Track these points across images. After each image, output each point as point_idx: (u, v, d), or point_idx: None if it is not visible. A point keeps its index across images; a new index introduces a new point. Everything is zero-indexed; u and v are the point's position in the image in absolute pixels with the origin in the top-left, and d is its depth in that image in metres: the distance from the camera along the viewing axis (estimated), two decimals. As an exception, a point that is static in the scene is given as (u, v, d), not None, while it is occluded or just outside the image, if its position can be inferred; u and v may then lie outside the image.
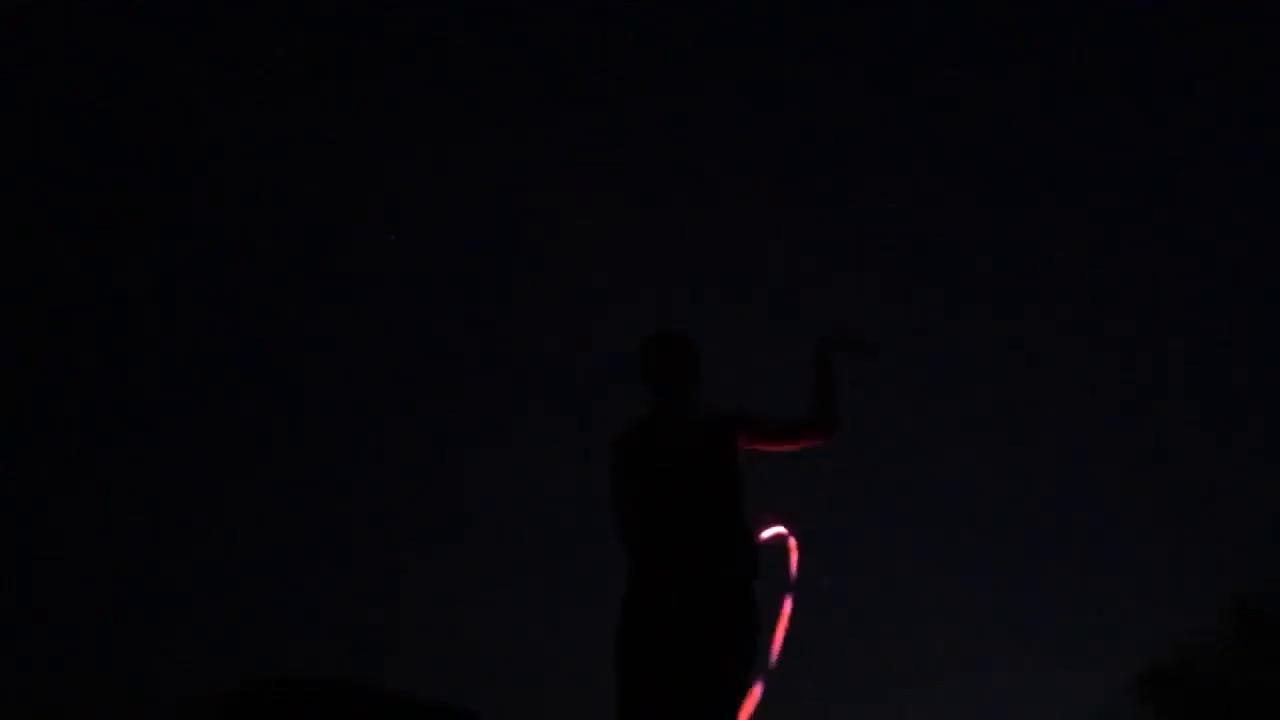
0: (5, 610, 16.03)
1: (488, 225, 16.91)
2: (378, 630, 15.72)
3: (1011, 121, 17.75)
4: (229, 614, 16.25)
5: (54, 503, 16.88)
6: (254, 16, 17.13)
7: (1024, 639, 15.46)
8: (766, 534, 4.30)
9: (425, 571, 15.84)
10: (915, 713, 15.09)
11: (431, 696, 14.05)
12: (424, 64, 17.51)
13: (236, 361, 17.70)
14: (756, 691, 4.03)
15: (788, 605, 4.27)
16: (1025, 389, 17.27)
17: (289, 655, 15.94)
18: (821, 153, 17.78)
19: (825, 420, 4.32)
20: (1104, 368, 17.63)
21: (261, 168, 17.58)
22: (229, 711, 13.68)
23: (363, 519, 16.94)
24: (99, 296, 17.58)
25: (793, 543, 4.34)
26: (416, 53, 17.36)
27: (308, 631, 16.30)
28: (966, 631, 15.85)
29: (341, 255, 17.94)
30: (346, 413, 17.50)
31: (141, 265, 17.55)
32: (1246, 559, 15.16)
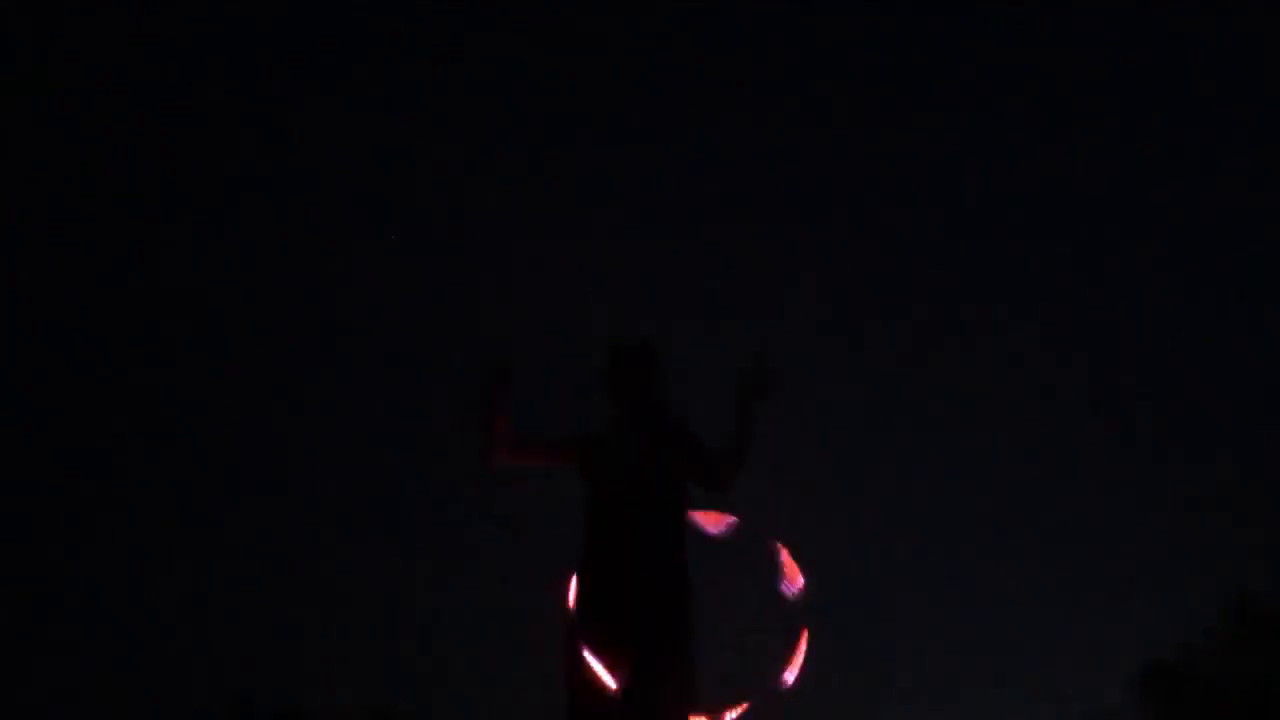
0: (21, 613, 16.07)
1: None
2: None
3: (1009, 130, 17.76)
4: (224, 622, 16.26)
5: (62, 515, 16.91)
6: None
7: (1024, 639, 15.44)
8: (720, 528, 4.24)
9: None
10: (913, 713, 15.07)
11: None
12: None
13: (237, 370, 17.72)
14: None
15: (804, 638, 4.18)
16: (1026, 388, 17.26)
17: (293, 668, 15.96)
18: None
19: (725, 485, 4.23)
20: (1106, 367, 17.62)
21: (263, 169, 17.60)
22: None
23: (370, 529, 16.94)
24: (103, 305, 17.59)
25: (784, 554, 4.25)
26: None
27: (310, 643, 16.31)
28: (965, 631, 15.83)
29: (343, 258, 17.94)
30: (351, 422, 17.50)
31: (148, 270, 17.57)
32: (1248, 557, 15.16)
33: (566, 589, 4.14)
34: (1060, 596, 15.80)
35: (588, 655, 4.03)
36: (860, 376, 16.51)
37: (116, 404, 17.59)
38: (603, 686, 3.99)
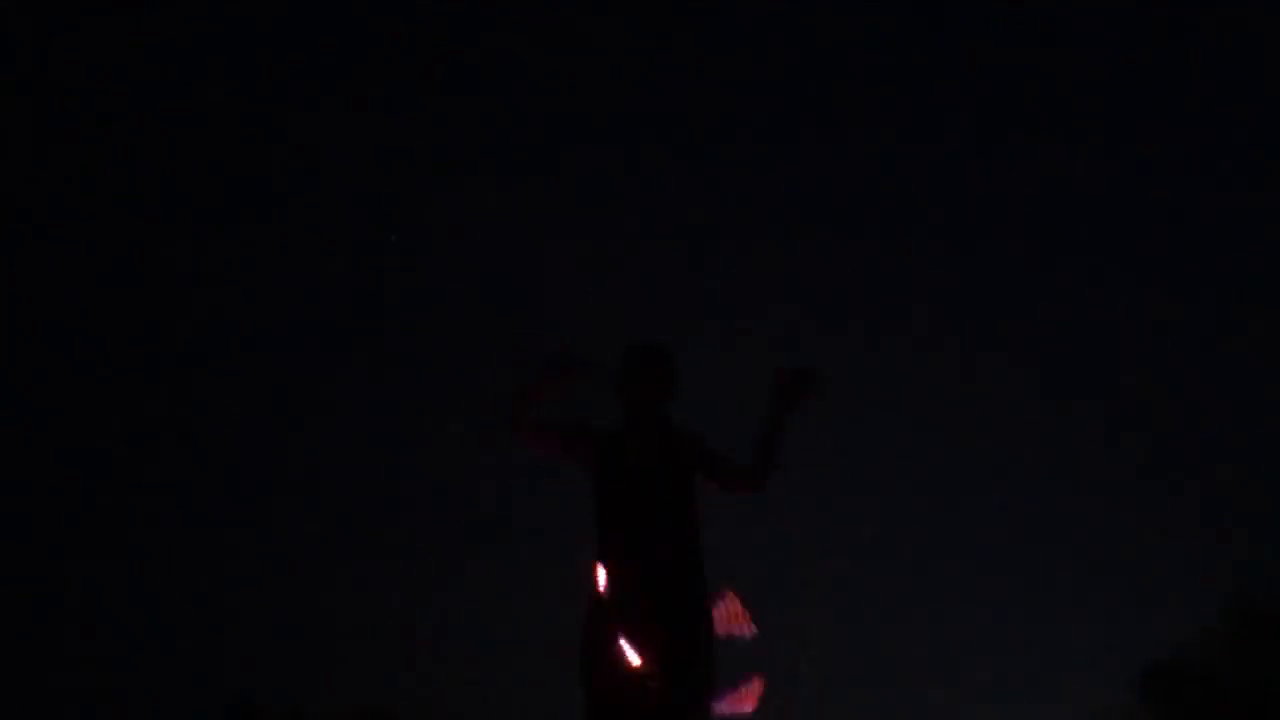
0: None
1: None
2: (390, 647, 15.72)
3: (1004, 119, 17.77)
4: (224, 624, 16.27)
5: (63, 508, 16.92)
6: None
7: (1024, 639, 15.44)
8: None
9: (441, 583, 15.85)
10: (913, 712, 15.07)
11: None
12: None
13: (238, 370, 17.73)
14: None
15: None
16: (1026, 389, 17.27)
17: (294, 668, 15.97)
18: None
19: (759, 482, 4.36)
20: (1106, 367, 17.62)
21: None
22: None
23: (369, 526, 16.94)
24: (103, 305, 17.61)
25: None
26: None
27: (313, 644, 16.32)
28: (965, 630, 15.84)
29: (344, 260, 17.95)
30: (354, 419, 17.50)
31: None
32: (1248, 557, 15.16)
33: (594, 575, 4.21)
34: (1061, 596, 15.81)
35: (622, 643, 4.09)
36: (860, 376, 16.52)
37: (117, 404, 17.59)
38: (628, 670, 4.08)
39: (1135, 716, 14.88)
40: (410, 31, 17.65)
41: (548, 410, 4.38)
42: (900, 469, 16.62)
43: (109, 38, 16.76)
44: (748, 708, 4.24)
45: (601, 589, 4.18)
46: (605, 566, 4.23)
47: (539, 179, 17.39)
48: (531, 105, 17.75)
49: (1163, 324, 17.53)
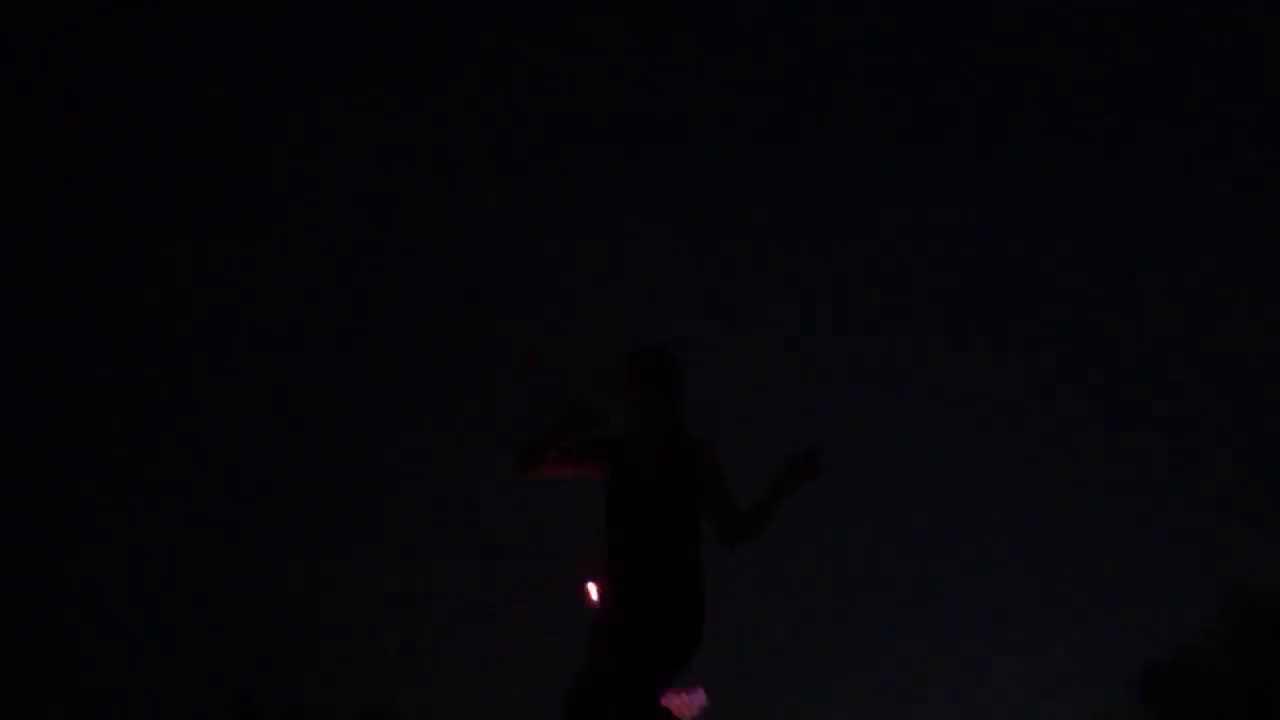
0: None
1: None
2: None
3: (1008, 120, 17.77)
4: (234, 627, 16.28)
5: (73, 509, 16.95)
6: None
7: (1024, 638, 15.46)
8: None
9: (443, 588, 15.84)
10: (915, 712, 15.07)
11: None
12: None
13: (249, 370, 17.74)
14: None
15: None
16: (1026, 389, 17.27)
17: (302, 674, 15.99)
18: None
19: (743, 538, 4.37)
20: (1107, 368, 17.63)
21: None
22: None
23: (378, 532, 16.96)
24: (104, 306, 17.61)
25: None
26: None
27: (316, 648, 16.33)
28: (966, 631, 15.85)
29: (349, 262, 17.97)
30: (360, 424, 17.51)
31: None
32: (1248, 557, 15.17)
33: (590, 590, 4.23)
34: (1060, 596, 15.82)
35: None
36: (860, 376, 16.53)
37: (117, 404, 17.60)
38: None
39: (1135, 716, 14.88)
40: (410, 31, 17.67)
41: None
42: (900, 469, 16.63)
43: (109, 38, 16.77)
44: (685, 714, 4.25)
45: (599, 588, 4.21)
46: (606, 564, 4.26)
47: (539, 179, 17.40)
48: (531, 105, 17.76)
49: (1163, 323, 17.53)
